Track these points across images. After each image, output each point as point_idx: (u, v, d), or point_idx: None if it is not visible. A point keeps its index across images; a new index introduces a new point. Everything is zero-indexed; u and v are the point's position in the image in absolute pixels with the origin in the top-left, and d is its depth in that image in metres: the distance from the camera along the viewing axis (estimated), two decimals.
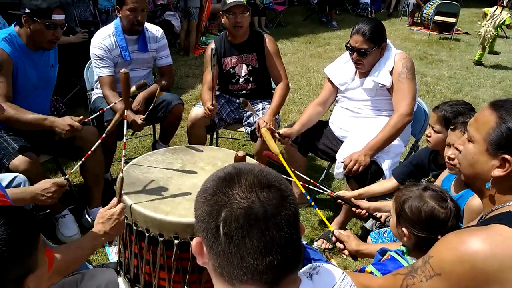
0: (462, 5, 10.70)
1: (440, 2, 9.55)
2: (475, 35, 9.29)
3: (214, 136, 3.55)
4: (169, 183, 2.01)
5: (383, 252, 1.67)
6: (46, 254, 1.17)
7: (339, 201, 2.19)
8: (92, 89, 3.23)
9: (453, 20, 9.34)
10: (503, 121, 1.16)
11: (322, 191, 2.25)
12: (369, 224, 2.52)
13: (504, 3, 7.33)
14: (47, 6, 2.38)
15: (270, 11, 9.63)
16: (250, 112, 3.16)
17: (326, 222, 1.94)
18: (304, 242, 1.33)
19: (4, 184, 2.05)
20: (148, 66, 3.20)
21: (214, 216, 0.80)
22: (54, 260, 1.35)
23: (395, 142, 2.56)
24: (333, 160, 2.78)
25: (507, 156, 1.15)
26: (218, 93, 3.21)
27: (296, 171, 2.11)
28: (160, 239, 1.78)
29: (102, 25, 4.97)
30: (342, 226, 2.72)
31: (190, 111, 3.14)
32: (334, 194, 2.19)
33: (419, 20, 10.71)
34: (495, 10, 7.32)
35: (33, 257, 1.07)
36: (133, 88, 2.30)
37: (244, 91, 3.18)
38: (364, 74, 2.67)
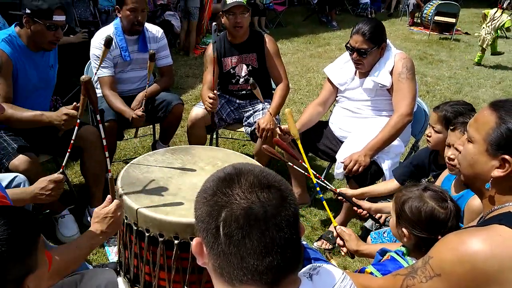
0: (462, 5, 10.70)
1: (440, 2, 9.55)
2: (475, 35, 9.30)
3: (214, 136, 3.55)
4: (169, 183, 2.01)
5: (383, 252, 1.67)
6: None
7: (340, 198, 2.19)
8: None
9: (453, 20, 9.34)
10: (503, 121, 1.16)
11: (324, 189, 2.24)
12: (369, 223, 2.52)
13: (505, 5, 7.30)
14: (48, 7, 2.37)
15: (270, 11, 9.63)
16: (251, 112, 3.16)
17: (331, 217, 1.94)
18: (304, 243, 1.32)
19: (4, 184, 2.05)
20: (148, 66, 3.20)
21: (214, 216, 0.80)
22: (52, 261, 1.35)
23: (395, 142, 2.56)
24: (333, 160, 2.78)
25: (507, 157, 1.15)
26: (218, 93, 3.21)
27: (303, 164, 2.08)
28: (160, 239, 1.78)
29: (102, 25, 4.98)
30: (342, 226, 2.72)
31: (190, 111, 3.14)
32: (338, 190, 2.19)
33: (419, 20, 10.71)
34: (495, 13, 7.30)
35: (33, 257, 1.07)
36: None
37: (244, 91, 3.18)
38: (364, 74, 2.67)
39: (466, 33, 10.13)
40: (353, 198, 2.14)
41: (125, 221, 1.89)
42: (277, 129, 2.63)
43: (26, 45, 2.48)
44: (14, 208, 1.19)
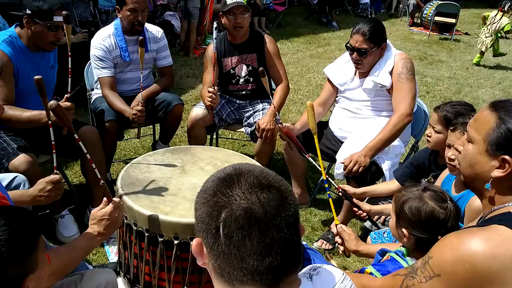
0: (462, 6, 10.71)
1: (440, 2, 9.56)
2: (475, 35, 9.30)
3: (214, 136, 3.55)
4: (169, 183, 2.01)
5: (383, 253, 1.67)
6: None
7: (340, 194, 2.19)
8: (92, 89, 3.23)
9: (453, 20, 9.36)
10: (503, 121, 1.16)
11: (325, 188, 2.24)
12: (369, 223, 2.51)
13: (506, 8, 7.28)
14: (48, 7, 2.37)
15: (270, 11, 9.63)
16: (251, 112, 3.17)
17: (334, 215, 1.93)
18: (304, 243, 1.33)
19: (4, 184, 2.05)
20: (148, 67, 3.20)
21: (214, 217, 0.80)
22: (50, 262, 1.36)
23: (395, 142, 2.57)
24: (333, 160, 2.78)
25: (506, 157, 1.15)
26: (218, 93, 3.21)
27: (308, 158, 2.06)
28: (160, 239, 1.78)
29: (102, 25, 4.98)
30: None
31: (190, 112, 3.15)
32: (340, 188, 2.19)
33: (419, 21, 10.73)
34: (495, 15, 7.30)
35: (33, 258, 1.07)
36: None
37: (244, 92, 3.19)
38: (363, 75, 2.67)
39: (466, 33, 10.13)
40: (354, 199, 2.14)
41: (125, 221, 1.89)
42: (278, 126, 2.62)
43: (27, 45, 2.48)
44: (14, 208, 1.20)
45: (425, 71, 6.92)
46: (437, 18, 9.48)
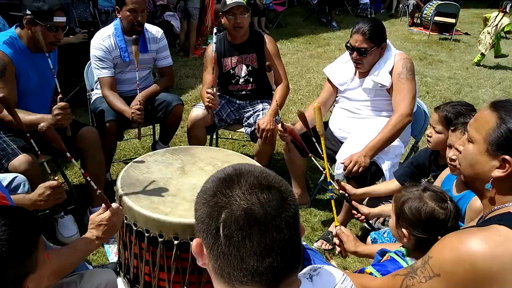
0: (462, 6, 10.71)
1: (439, 2, 9.56)
2: (475, 35, 9.31)
3: (214, 136, 3.55)
4: (169, 184, 2.01)
5: (382, 253, 1.68)
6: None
7: (342, 192, 2.19)
8: (92, 90, 3.23)
9: (452, 20, 9.36)
10: (503, 121, 1.16)
11: (325, 189, 2.25)
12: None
13: (507, 9, 7.27)
14: (48, 8, 2.37)
15: (270, 11, 9.63)
16: (251, 112, 3.16)
17: (335, 216, 1.93)
18: (304, 243, 1.33)
19: (4, 184, 2.05)
20: (148, 67, 3.20)
21: (214, 217, 0.80)
22: (50, 262, 1.36)
23: (395, 143, 2.56)
24: (333, 161, 2.78)
25: (507, 157, 1.15)
26: (218, 93, 3.21)
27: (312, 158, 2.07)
28: (160, 239, 1.78)
29: (102, 25, 4.98)
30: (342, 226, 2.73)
31: (190, 112, 3.15)
32: (340, 190, 2.19)
33: (419, 21, 10.73)
34: (496, 16, 7.29)
35: (33, 258, 1.08)
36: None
37: (244, 92, 3.19)
38: (363, 74, 2.67)
39: (466, 33, 10.13)
40: (353, 202, 2.14)
41: (125, 221, 1.89)
42: (279, 125, 2.62)
43: (27, 46, 2.48)
44: (14, 209, 1.20)
45: (425, 71, 6.92)
46: (437, 18, 9.48)
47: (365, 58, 2.57)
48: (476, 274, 1.07)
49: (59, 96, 2.31)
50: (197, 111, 3.06)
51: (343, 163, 2.51)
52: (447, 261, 1.12)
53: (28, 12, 2.37)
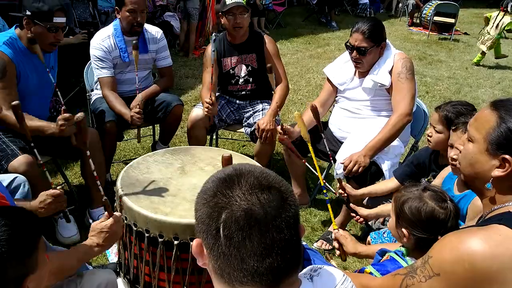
0: (461, 6, 10.72)
1: (439, 2, 9.57)
2: (474, 35, 9.30)
3: (214, 136, 3.55)
4: (169, 184, 2.01)
5: (382, 252, 1.68)
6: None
7: (342, 193, 2.20)
8: (92, 90, 3.23)
9: (452, 20, 9.36)
10: (503, 120, 1.16)
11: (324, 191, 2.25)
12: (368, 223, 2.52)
13: (508, 8, 7.28)
14: (48, 8, 2.37)
15: (270, 11, 9.63)
16: (251, 112, 3.17)
17: (333, 220, 1.94)
18: (304, 243, 1.33)
19: (4, 184, 2.05)
20: (147, 67, 3.20)
21: (214, 218, 0.80)
22: (51, 262, 1.36)
23: (395, 142, 2.57)
24: (333, 160, 2.78)
25: (507, 156, 1.15)
26: (218, 93, 3.21)
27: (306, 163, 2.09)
28: (160, 239, 1.78)
29: (102, 26, 4.98)
30: (342, 227, 2.73)
31: (190, 112, 3.14)
32: (337, 194, 2.20)
33: (418, 21, 10.73)
34: (497, 15, 7.30)
35: (33, 258, 1.08)
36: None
37: (244, 92, 3.19)
38: (363, 74, 2.67)
39: (465, 33, 10.14)
40: (351, 205, 2.15)
41: (125, 221, 1.89)
42: (278, 128, 2.63)
43: (26, 47, 2.48)
44: (14, 209, 1.20)
45: (425, 71, 6.92)
46: (436, 18, 9.49)
47: (365, 58, 2.57)
48: (476, 273, 1.07)
49: (62, 108, 2.32)
50: (197, 112, 3.05)
51: (343, 163, 2.51)
52: (447, 261, 1.12)
53: (28, 12, 2.37)
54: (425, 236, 1.49)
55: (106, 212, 1.66)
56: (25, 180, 2.20)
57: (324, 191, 1.98)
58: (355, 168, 2.45)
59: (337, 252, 1.84)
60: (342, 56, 2.83)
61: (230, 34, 3.08)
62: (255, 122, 2.99)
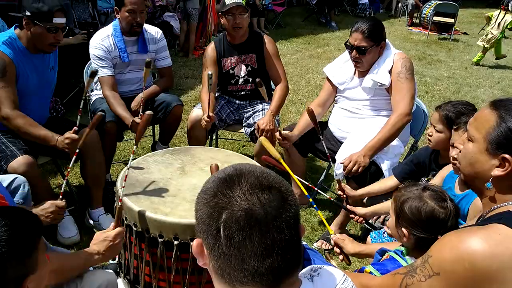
0: (461, 6, 10.72)
1: (438, 2, 9.58)
2: (473, 35, 9.31)
3: (214, 137, 3.55)
4: (169, 184, 2.01)
5: (382, 252, 1.67)
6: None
7: (341, 193, 2.20)
8: (92, 90, 3.23)
9: (451, 20, 9.37)
10: (503, 120, 1.16)
11: (325, 189, 2.26)
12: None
13: (510, 7, 7.28)
14: (48, 9, 2.36)
15: (269, 12, 9.64)
16: (251, 112, 3.17)
17: (326, 225, 1.94)
18: (304, 243, 1.33)
19: (4, 185, 2.05)
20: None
21: (214, 218, 0.80)
22: (51, 261, 1.36)
23: (394, 142, 2.57)
24: (332, 161, 2.78)
25: (507, 156, 1.15)
26: (217, 94, 3.21)
27: (297, 176, 2.12)
28: (160, 240, 1.78)
29: (101, 26, 4.98)
30: (342, 227, 2.73)
31: (190, 112, 3.15)
32: (333, 199, 2.21)
33: (417, 21, 10.74)
34: (498, 14, 7.31)
35: (33, 258, 1.08)
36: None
37: (244, 92, 3.19)
38: (363, 74, 2.67)
39: (465, 33, 10.15)
40: (348, 206, 2.15)
41: (125, 222, 1.89)
42: (277, 133, 2.64)
43: (26, 47, 2.47)
44: (15, 209, 1.20)
45: (424, 71, 6.93)
46: (435, 18, 9.50)
47: (364, 57, 2.57)
48: (476, 273, 1.07)
49: (74, 128, 2.32)
50: (197, 112, 3.06)
51: (342, 163, 2.51)
52: (447, 260, 1.12)
53: (27, 13, 2.37)
54: (425, 236, 1.49)
55: (113, 223, 1.70)
56: (25, 181, 2.20)
57: (310, 200, 1.96)
58: (354, 168, 2.45)
59: (340, 257, 1.84)
60: (342, 56, 2.83)
61: (230, 34, 3.08)
62: (255, 122, 2.99)
